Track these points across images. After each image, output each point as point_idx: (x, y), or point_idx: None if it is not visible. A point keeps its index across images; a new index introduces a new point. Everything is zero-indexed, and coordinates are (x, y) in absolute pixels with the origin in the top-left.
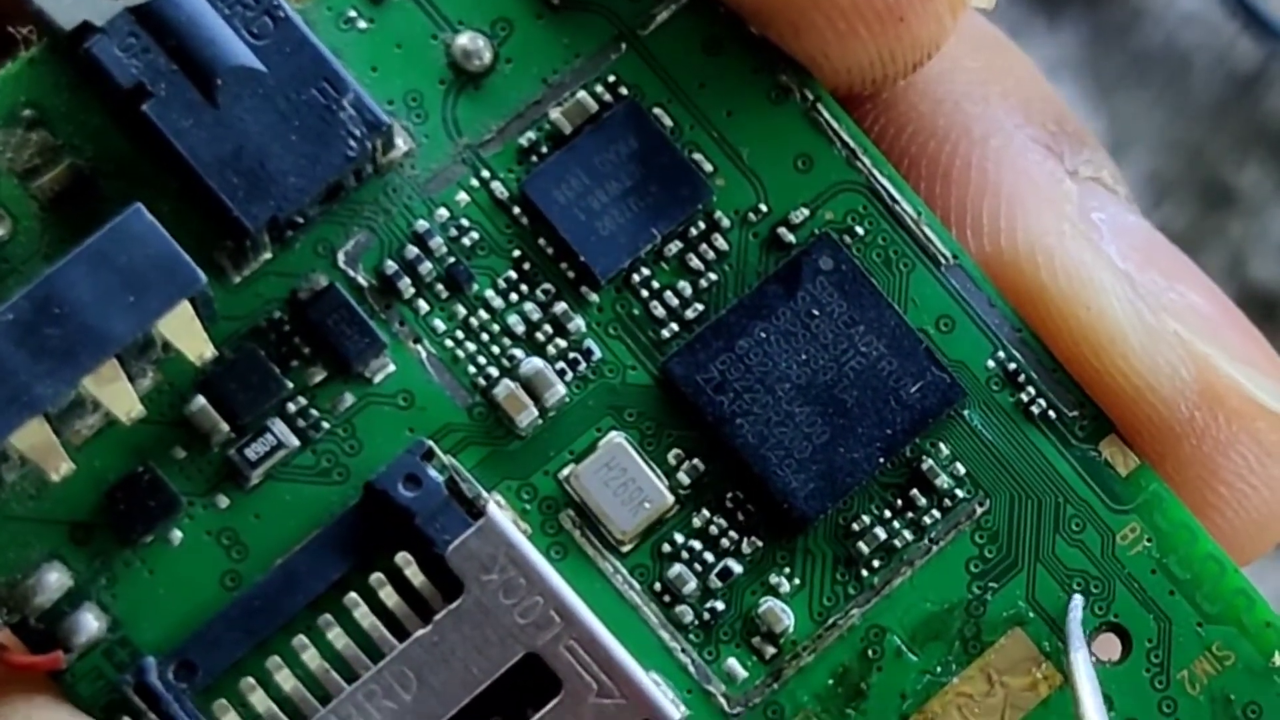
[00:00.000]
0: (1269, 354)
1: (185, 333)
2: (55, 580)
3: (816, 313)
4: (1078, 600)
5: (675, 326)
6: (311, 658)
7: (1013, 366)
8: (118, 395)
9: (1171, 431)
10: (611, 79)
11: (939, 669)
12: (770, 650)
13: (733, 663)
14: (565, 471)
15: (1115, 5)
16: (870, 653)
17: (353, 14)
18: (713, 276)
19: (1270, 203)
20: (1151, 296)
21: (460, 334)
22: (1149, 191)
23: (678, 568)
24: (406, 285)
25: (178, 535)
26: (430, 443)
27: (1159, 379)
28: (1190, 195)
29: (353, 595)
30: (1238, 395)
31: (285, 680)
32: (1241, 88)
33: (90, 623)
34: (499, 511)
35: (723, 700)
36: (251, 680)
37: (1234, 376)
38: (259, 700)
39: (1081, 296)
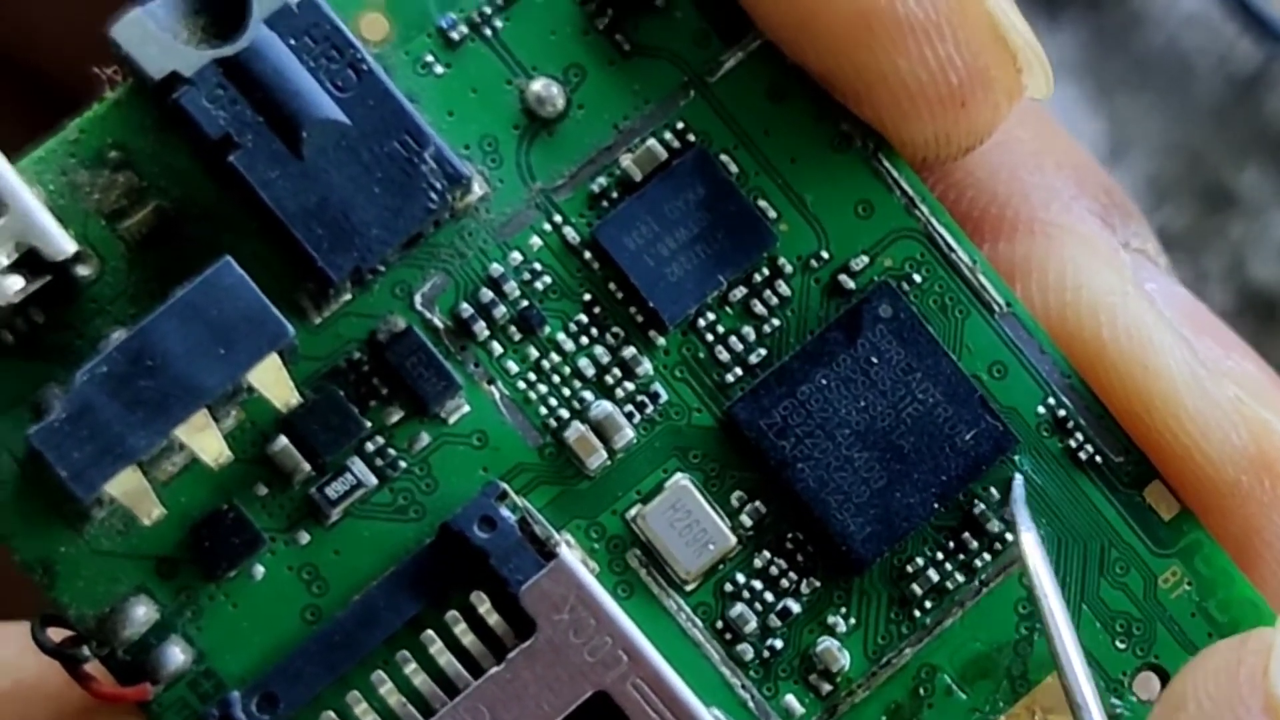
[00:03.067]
0: None
1: (273, 382)
2: (142, 614)
3: (875, 360)
4: (1019, 480)
5: (739, 371)
6: (389, 692)
7: (1062, 413)
8: (207, 442)
9: (1217, 491)
10: (680, 125)
11: (987, 706)
12: (827, 687)
13: (790, 699)
14: (632, 512)
15: (1116, 7)
16: (921, 690)
17: (430, 59)
18: (775, 322)
19: (1270, 205)
20: (1210, 361)
21: (532, 375)
22: (1149, 194)
23: (739, 607)
24: (481, 328)
25: (260, 570)
26: (504, 485)
27: (1210, 441)
28: (1191, 197)
29: (429, 632)
30: None
31: (364, 714)
32: (1242, 90)
33: (176, 655)
34: (569, 553)
35: None
36: (332, 714)
37: None
38: None
39: (1140, 355)
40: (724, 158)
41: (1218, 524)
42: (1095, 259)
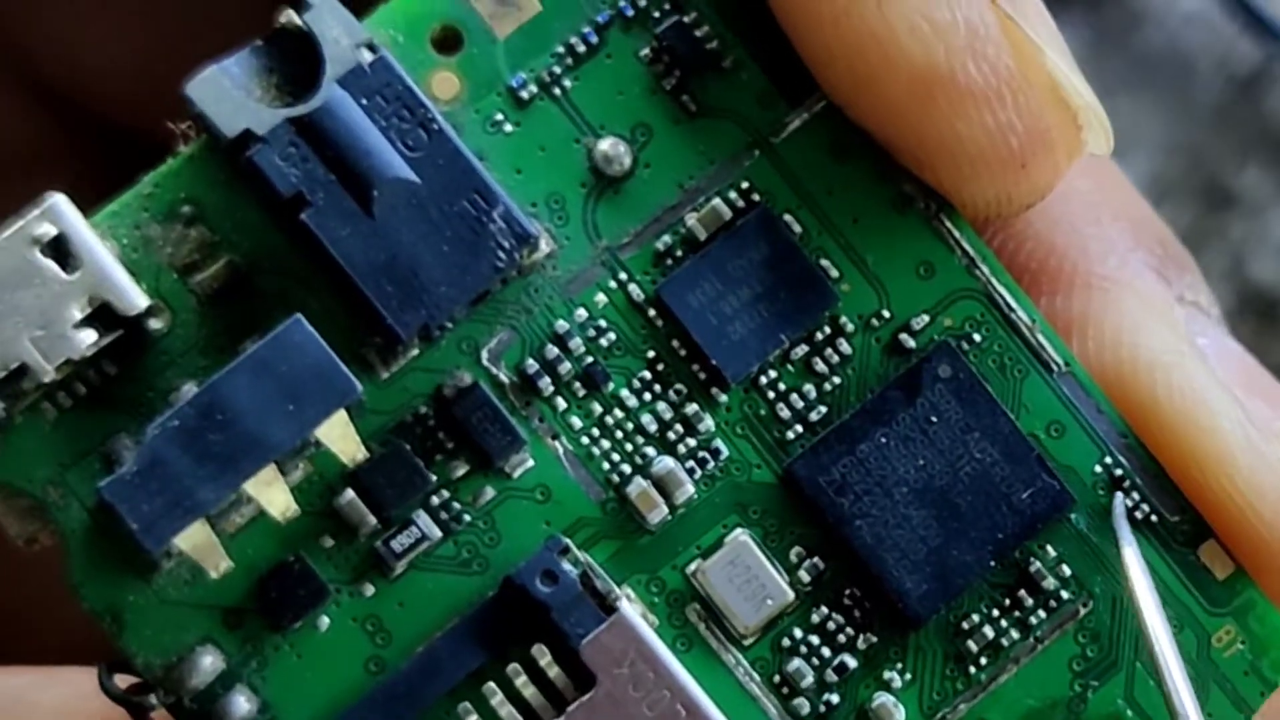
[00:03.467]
0: None
1: (340, 438)
2: (209, 663)
3: (935, 419)
4: (1119, 498)
5: (799, 428)
6: None
7: (1119, 472)
8: (275, 497)
9: (1270, 551)
10: (744, 185)
11: None
12: None
13: None
14: (692, 567)
15: (1116, 7)
16: None
17: (499, 117)
18: (836, 380)
19: (1271, 204)
20: (1262, 422)
21: (596, 431)
22: (1150, 193)
23: (796, 661)
24: (546, 384)
25: (325, 621)
26: (566, 540)
27: (1264, 501)
28: (1191, 197)
29: (491, 684)
30: None
31: None
32: (1242, 90)
33: (242, 705)
34: (630, 607)
35: None
36: None
37: None
38: None
39: (1194, 415)
40: (787, 217)
41: (1271, 583)
42: (1151, 315)
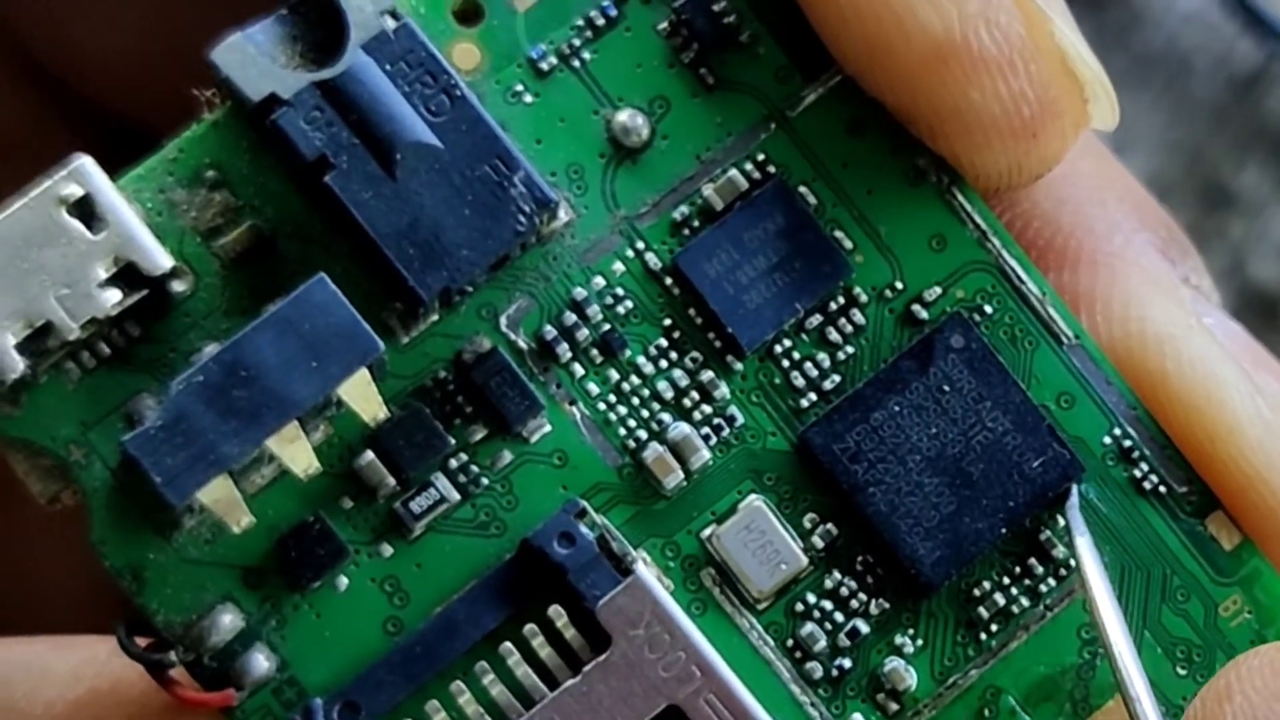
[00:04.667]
0: None
1: (362, 396)
2: (228, 622)
3: (947, 388)
4: (1075, 491)
5: (814, 396)
6: (468, 703)
7: (1128, 443)
8: (297, 454)
9: (1278, 520)
10: (760, 157)
11: None
12: (894, 707)
13: (858, 717)
14: (707, 532)
15: (1116, 6)
16: (986, 712)
17: (519, 88)
18: (850, 350)
19: (1270, 203)
20: (1271, 395)
21: (613, 398)
22: (1149, 192)
23: (809, 626)
24: (564, 350)
25: (344, 582)
26: (584, 502)
27: (1271, 471)
28: (1190, 196)
29: (507, 644)
30: None
31: None
32: (1242, 89)
33: (261, 663)
34: (646, 570)
35: None
36: None
37: None
38: None
39: (1203, 388)
40: (802, 189)
41: (1279, 553)
42: (1158, 292)
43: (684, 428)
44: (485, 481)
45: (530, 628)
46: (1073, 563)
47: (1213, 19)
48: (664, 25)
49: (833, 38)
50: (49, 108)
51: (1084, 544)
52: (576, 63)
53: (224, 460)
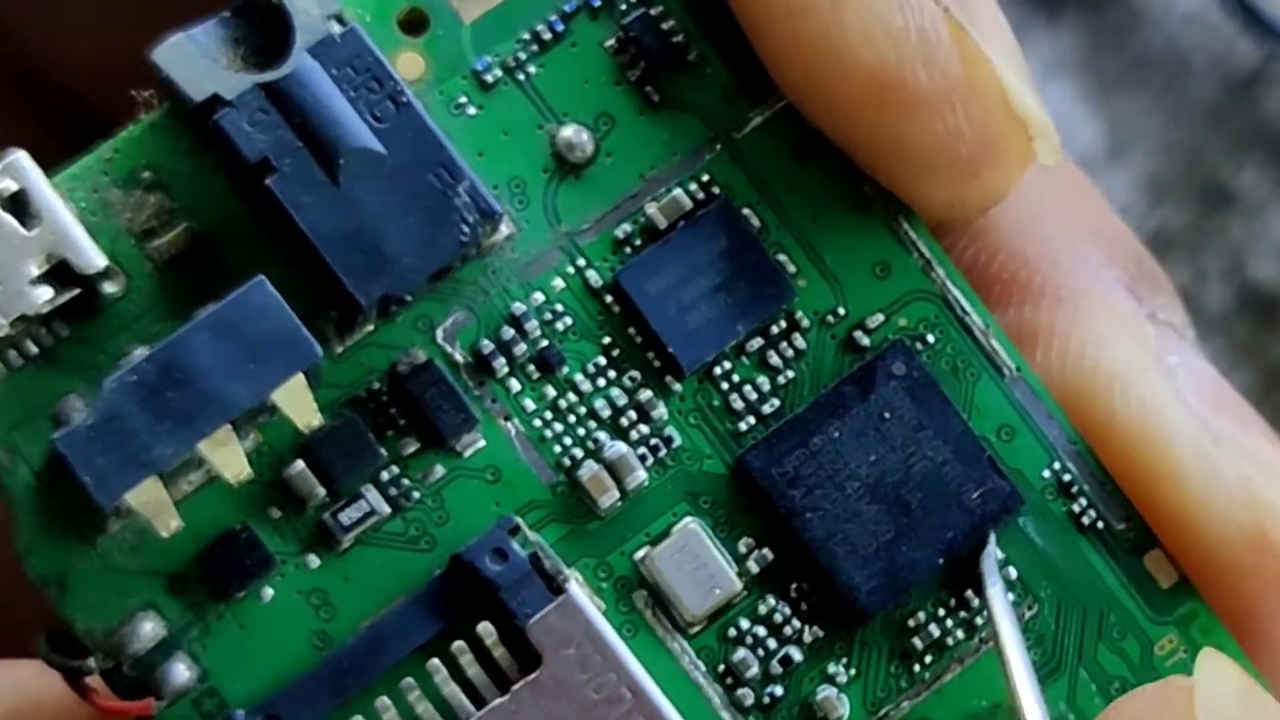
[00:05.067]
0: None
1: (297, 402)
2: (150, 630)
3: (888, 415)
4: (992, 540)
5: (752, 420)
6: (393, 719)
7: (1067, 478)
8: (229, 459)
9: (1218, 568)
10: (705, 178)
11: None
12: None
13: None
14: (641, 553)
15: (1115, 6)
16: None
17: (463, 100)
18: (790, 374)
19: (1269, 203)
20: (1225, 440)
21: (549, 414)
22: (1148, 193)
23: (742, 652)
24: (501, 364)
25: (269, 593)
26: (518, 519)
27: (1213, 519)
28: (1189, 196)
29: (435, 661)
30: None
31: None
32: (1241, 89)
33: (181, 672)
34: (579, 589)
35: None
36: None
37: None
38: None
39: (1149, 430)
40: (746, 211)
41: (1217, 600)
42: (1118, 330)
43: (621, 447)
44: (417, 495)
45: (459, 645)
46: (986, 613)
47: (1212, 19)
48: (611, 42)
49: (774, 66)
50: (14, 92)
51: (996, 594)
52: (521, 76)
53: (156, 462)
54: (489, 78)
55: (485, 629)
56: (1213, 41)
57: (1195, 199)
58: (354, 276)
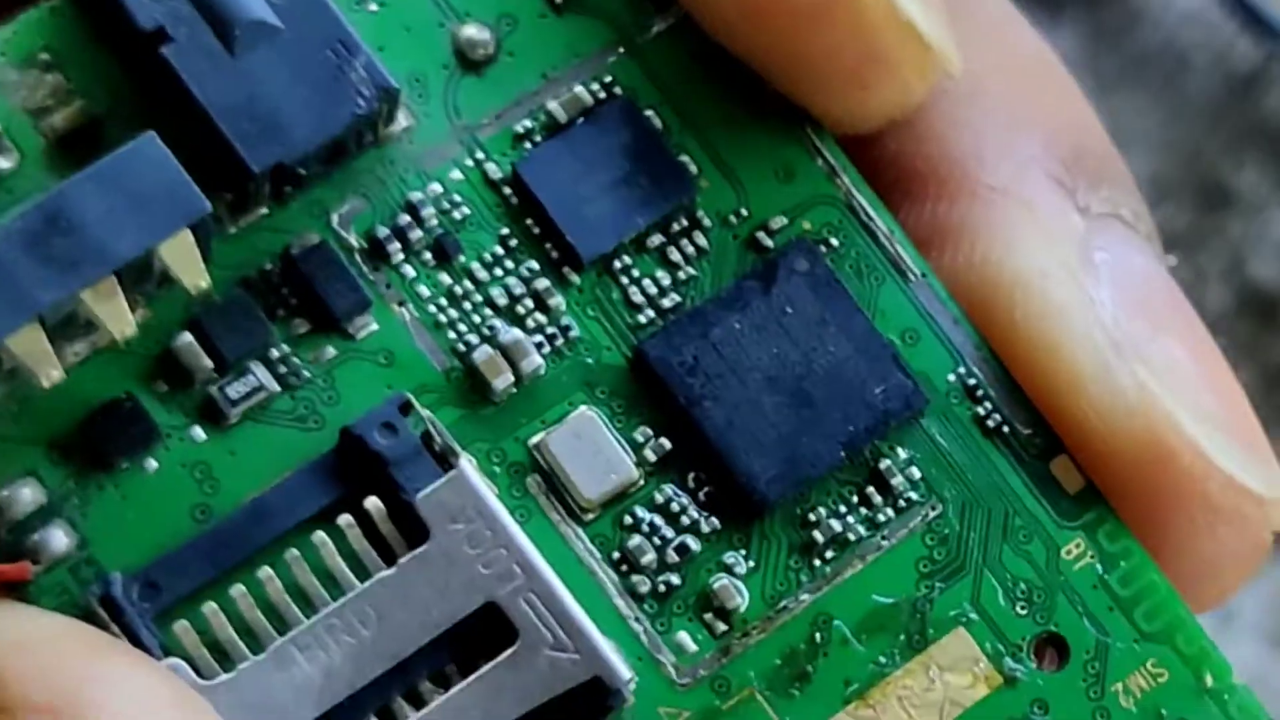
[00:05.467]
0: (1243, 418)
1: (185, 261)
2: (29, 496)
3: (790, 310)
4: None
5: (651, 313)
6: (275, 590)
7: (972, 382)
8: (114, 313)
9: (1119, 477)
10: (608, 79)
11: (883, 660)
12: (721, 626)
13: (684, 635)
14: (535, 439)
15: (1115, 5)
16: (818, 637)
17: None
18: (691, 270)
19: (1269, 203)
20: (1130, 345)
21: (444, 301)
22: (1148, 192)
23: (637, 539)
24: (396, 250)
25: (153, 464)
26: (409, 396)
27: (1108, 427)
28: (1189, 195)
29: (320, 534)
30: (1192, 454)
31: (247, 609)
32: (1240, 88)
33: (60, 539)
34: (470, 465)
35: (672, 670)
36: (214, 605)
37: (1193, 436)
38: (219, 626)
39: (1047, 337)
40: (649, 113)
41: (1122, 507)
42: (1029, 230)
43: (516, 333)
44: (307, 374)
45: (345, 519)
46: (911, 495)
47: (1211, 18)
48: None
49: None
50: None
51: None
52: None
53: (37, 304)
54: None
55: (373, 504)
56: (1212, 41)
57: (1195, 198)
58: (247, 144)
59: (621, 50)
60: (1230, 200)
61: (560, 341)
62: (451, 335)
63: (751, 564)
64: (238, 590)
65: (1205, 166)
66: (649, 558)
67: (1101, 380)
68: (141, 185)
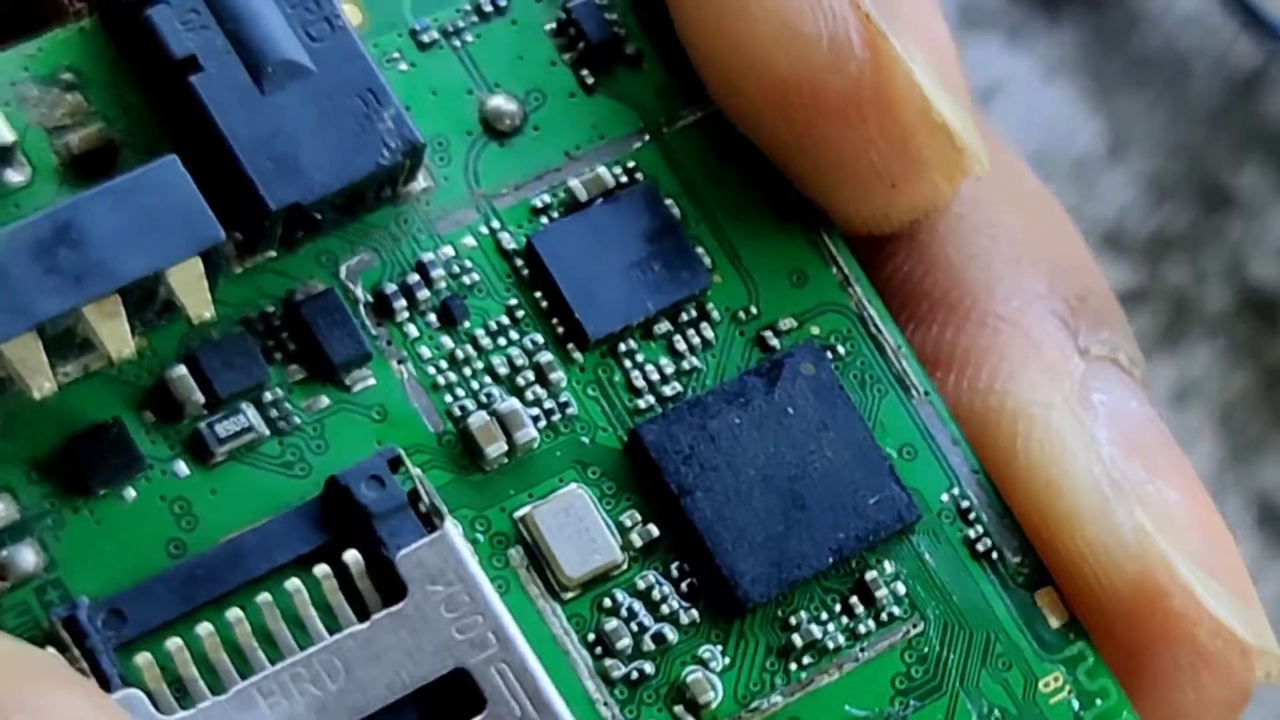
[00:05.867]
0: (1234, 566)
1: (191, 289)
2: (1, 511)
3: (791, 411)
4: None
5: (652, 399)
6: (243, 632)
7: (965, 504)
8: (114, 332)
9: (1109, 617)
10: (631, 164)
11: None
12: None
13: None
14: (522, 511)
15: (1115, 6)
16: None
17: (396, 55)
18: (695, 361)
19: (1270, 204)
20: (1128, 485)
21: (444, 364)
22: (1149, 193)
23: (615, 623)
24: (401, 307)
25: (132, 494)
26: (400, 451)
27: (1103, 568)
28: (1190, 197)
29: (295, 581)
30: (1183, 597)
31: (212, 648)
32: (1241, 89)
33: (28, 558)
34: (455, 528)
35: None
36: (179, 641)
37: (1187, 580)
38: (182, 662)
39: (1047, 472)
40: (669, 202)
41: (1107, 647)
42: (1033, 363)
43: (514, 402)
44: (298, 421)
45: (322, 569)
46: (894, 610)
47: (1212, 19)
48: (551, 25)
49: (696, 67)
50: None
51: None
52: (458, 42)
53: (38, 313)
54: (425, 38)
55: (352, 557)
56: (1213, 42)
57: (1195, 199)
58: (265, 179)
59: (648, 138)
60: (1230, 201)
61: (557, 417)
62: (449, 398)
63: (727, 660)
64: (205, 629)
65: (1206, 167)
66: (625, 642)
67: (1099, 519)
68: (157, 207)
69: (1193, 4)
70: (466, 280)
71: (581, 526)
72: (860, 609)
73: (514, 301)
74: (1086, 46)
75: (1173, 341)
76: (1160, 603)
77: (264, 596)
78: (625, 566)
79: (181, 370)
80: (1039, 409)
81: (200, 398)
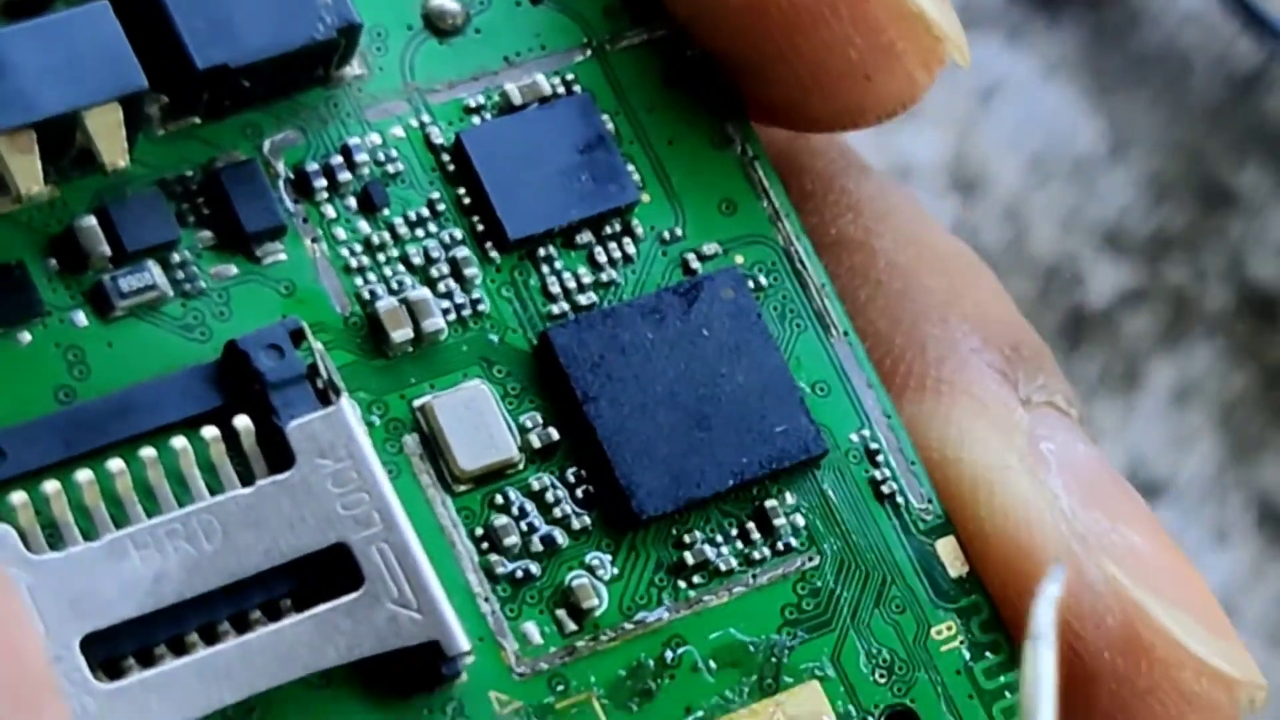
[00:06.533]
0: (1205, 600)
1: (108, 134)
2: None
3: (706, 333)
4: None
5: (566, 306)
6: (124, 484)
7: (874, 446)
8: (26, 168)
9: (1091, 674)
10: (570, 77)
11: (730, 695)
12: (572, 626)
13: (531, 626)
14: (421, 400)
15: (1115, 5)
16: (668, 658)
17: None
18: (614, 274)
19: (1270, 203)
20: (1093, 536)
21: (359, 247)
22: (1148, 192)
23: (504, 520)
24: (321, 187)
25: (27, 337)
26: (304, 324)
27: (1083, 623)
28: (1189, 196)
29: (181, 439)
30: (1164, 643)
31: (91, 497)
32: (1241, 89)
33: None
34: (350, 405)
35: (512, 658)
36: (57, 485)
37: (1164, 624)
38: (59, 508)
39: (1014, 535)
40: (604, 117)
41: (1093, 701)
42: (982, 423)
43: (425, 292)
44: (203, 285)
45: (211, 431)
46: (791, 541)
47: (1212, 18)
48: None
49: None
50: None
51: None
52: None
53: None
54: None
55: (243, 423)
56: (1213, 41)
57: (1195, 199)
58: (196, 38)
59: (590, 53)
60: (1230, 200)
61: (468, 312)
62: (359, 281)
63: (615, 571)
64: (85, 475)
65: (1206, 167)
66: (512, 540)
67: (1072, 578)
68: (83, 49)
69: (1193, 3)
70: (390, 169)
71: (481, 421)
72: (757, 536)
73: (436, 195)
74: (1086, 46)
75: (1173, 341)
76: (1143, 654)
77: (148, 451)
78: (521, 466)
79: (91, 221)
80: (995, 472)
81: (107, 250)
